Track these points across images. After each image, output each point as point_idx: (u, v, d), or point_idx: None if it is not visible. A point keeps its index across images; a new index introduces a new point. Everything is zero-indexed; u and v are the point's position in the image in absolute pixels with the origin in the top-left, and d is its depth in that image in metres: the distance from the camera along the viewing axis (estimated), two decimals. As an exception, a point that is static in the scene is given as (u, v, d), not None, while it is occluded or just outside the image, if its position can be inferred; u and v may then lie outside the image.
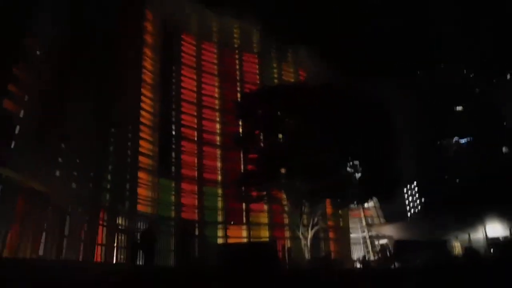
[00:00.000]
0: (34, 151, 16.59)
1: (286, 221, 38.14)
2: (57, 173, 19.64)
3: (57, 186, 19.35)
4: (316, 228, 30.54)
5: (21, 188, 15.90)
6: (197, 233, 33.59)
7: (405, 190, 42.93)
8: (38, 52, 16.42)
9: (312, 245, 29.84)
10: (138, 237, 17.03)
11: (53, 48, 17.06)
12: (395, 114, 32.85)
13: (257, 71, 44.37)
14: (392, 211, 44.65)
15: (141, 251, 17.02)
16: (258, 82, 43.10)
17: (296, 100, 27.35)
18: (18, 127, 15.65)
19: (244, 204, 37.28)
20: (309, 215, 30.24)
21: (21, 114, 15.79)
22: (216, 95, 40.80)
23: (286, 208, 33.15)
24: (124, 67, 29.30)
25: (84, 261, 19.90)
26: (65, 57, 18.46)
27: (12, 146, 15.48)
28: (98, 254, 22.72)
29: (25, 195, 15.96)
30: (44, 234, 18.06)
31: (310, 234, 29.57)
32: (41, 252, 17.71)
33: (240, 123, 35.65)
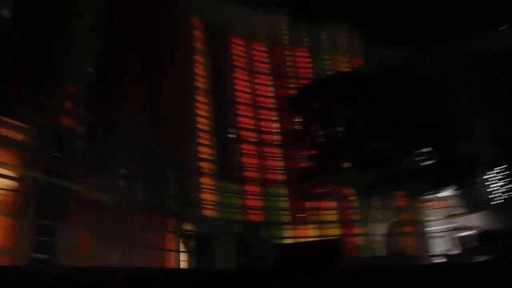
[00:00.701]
0: (95, 164, 17.07)
1: (356, 217, 36.50)
2: (121, 183, 20.21)
3: (122, 195, 19.92)
4: (390, 222, 28.73)
5: (87, 200, 16.36)
6: (262, 234, 33.21)
7: (487, 175, 38.99)
8: (88, 69, 16.84)
9: (386, 241, 28.09)
10: (196, 242, 16.84)
11: (103, 62, 17.44)
12: (465, 90, 29.99)
13: (309, 65, 43.12)
14: (473, 200, 40.92)
15: (199, 254, 16.85)
16: (311, 76, 41.89)
17: (352, 88, 25.89)
18: (78, 142, 16.06)
19: (310, 203, 36.27)
20: (379, 209, 28.53)
21: (80, 129, 16.20)
22: (270, 94, 40.26)
23: (354, 204, 31.66)
24: (175, 75, 29.80)
25: (153, 268, 20.14)
26: (115, 71, 18.90)
27: (74, 160, 15.91)
28: (167, 260, 22.96)
29: (91, 206, 16.35)
30: (112, 241, 18.59)
31: (382, 230, 27.86)
32: (111, 260, 18.22)
33: (296, 119, 34.81)
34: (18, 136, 13.59)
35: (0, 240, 12.00)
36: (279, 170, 36.90)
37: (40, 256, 13.54)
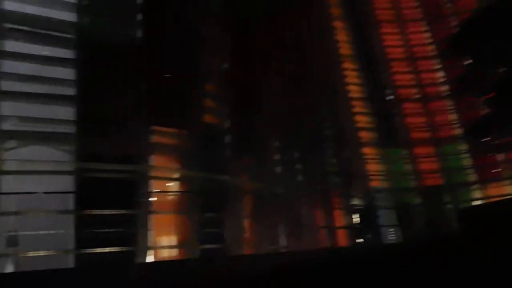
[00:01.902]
0: (247, 155, 17.61)
1: None
2: (279, 169, 20.47)
3: (281, 181, 20.20)
4: None
5: (245, 190, 17.03)
6: (444, 199, 29.65)
7: None
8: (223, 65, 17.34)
9: None
10: (360, 215, 15.72)
11: (238, 53, 17.71)
12: None
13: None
14: None
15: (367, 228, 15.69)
16: (474, 7, 34.96)
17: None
18: (226, 137, 16.75)
19: (499, 155, 30.66)
20: None
21: (225, 124, 16.86)
22: (427, 41, 35.32)
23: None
24: (318, 47, 28.75)
25: (325, 248, 19.89)
26: (254, 60, 19.02)
27: (226, 155, 16.68)
28: (338, 238, 22.44)
29: (250, 195, 16.89)
30: (280, 226, 19.00)
31: None
32: (281, 243, 18.66)
33: (464, 62, 29.59)
34: (172, 141, 14.85)
35: (174, 235, 13.22)
36: (453, 124, 32.18)
37: (211, 246, 14.60)
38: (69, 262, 11.74)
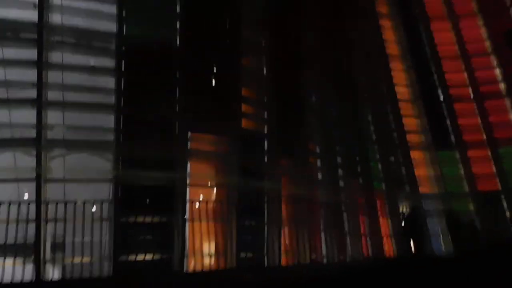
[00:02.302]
0: (288, 160, 17.28)
1: None
2: (320, 175, 19.95)
3: (323, 187, 19.65)
4: None
5: (285, 196, 16.70)
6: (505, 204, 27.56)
7: None
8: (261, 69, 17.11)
9: None
10: (408, 223, 14.82)
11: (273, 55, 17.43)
12: None
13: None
14: None
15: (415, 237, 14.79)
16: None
17: None
18: (266, 142, 16.51)
19: None
20: None
21: (265, 130, 16.63)
22: (483, 36, 33.09)
23: None
24: (363, 48, 27.81)
25: (368, 258, 19.14)
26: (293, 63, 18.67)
27: (266, 160, 16.43)
28: (385, 247, 21.46)
29: (289, 200, 16.53)
30: (322, 234, 18.47)
31: None
32: (323, 252, 18.13)
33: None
34: (210, 148, 14.81)
35: (212, 243, 13.15)
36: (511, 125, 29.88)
37: (250, 254, 14.40)
38: (110, 268, 11.96)
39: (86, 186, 12.80)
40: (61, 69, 12.91)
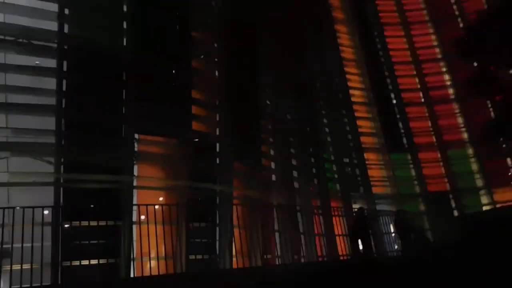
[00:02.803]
0: (241, 163, 17.29)
1: None
2: (273, 177, 20.09)
3: (275, 188, 19.79)
4: None
5: (238, 199, 16.69)
6: (453, 204, 28.90)
7: None
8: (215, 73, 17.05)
9: None
10: (361, 223, 15.15)
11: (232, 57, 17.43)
12: None
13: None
14: None
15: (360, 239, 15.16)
16: (484, 7, 34.10)
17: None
18: (218, 145, 16.45)
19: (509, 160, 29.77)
20: None
21: (217, 132, 16.58)
22: (434, 43, 34.65)
23: None
24: (318, 52, 28.38)
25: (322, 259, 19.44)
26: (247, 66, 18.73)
27: (218, 163, 16.37)
28: (338, 247, 21.86)
29: (242, 203, 16.51)
30: (277, 235, 18.57)
31: None
32: (274, 255, 18.24)
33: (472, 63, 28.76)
34: (159, 150, 14.61)
35: (161, 247, 12.94)
36: (460, 128, 31.41)
37: (199, 257, 14.28)
38: (53, 275, 11.53)
39: (29, 191, 12.33)
40: (3, 69, 12.37)
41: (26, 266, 10.92)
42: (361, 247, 14.85)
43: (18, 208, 11.28)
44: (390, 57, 34.08)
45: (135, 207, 13.15)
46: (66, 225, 12.08)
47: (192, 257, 14.12)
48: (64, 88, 12.55)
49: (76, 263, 12.02)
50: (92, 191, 12.72)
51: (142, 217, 12.99)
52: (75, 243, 12.08)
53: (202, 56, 16.72)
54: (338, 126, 28.26)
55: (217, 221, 15.49)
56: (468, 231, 13.21)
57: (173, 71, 14.82)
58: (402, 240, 16.86)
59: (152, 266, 13.14)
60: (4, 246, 11.20)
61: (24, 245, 11.16)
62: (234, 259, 15.60)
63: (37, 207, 11.30)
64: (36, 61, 12.67)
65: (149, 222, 12.77)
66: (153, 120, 14.21)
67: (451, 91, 32.82)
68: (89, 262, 12.18)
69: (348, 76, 31.70)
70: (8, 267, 11.19)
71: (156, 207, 13.05)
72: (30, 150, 12.09)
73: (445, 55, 33.34)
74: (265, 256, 16.71)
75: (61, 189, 11.92)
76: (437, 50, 34.43)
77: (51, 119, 12.35)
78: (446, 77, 33.38)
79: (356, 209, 22.06)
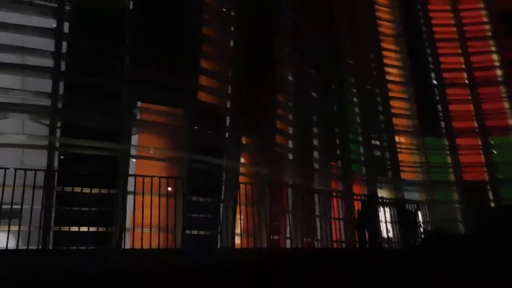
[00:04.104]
0: (251, 138, 16.48)
1: None
2: (290, 156, 19.11)
3: (295, 169, 18.82)
4: None
5: (246, 175, 15.98)
6: (491, 196, 26.71)
7: None
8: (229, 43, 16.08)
9: None
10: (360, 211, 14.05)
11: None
12: None
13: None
14: None
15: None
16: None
17: None
18: (228, 119, 15.69)
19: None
20: None
21: (228, 105, 15.77)
22: (483, 20, 31.60)
23: None
24: (350, 23, 26.55)
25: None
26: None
27: (225, 137, 15.64)
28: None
29: (253, 180, 15.79)
30: (289, 216, 17.77)
31: None
32: (280, 235, 17.49)
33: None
34: (163, 120, 14.02)
35: (157, 219, 12.49)
36: (505, 113, 28.71)
37: (200, 233, 13.76)
38: (42, 239, 11.36)
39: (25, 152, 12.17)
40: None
41: (14, 227, 10.73)
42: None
43: (11, 169, 10.99)
44: (433, 33, 31.49)
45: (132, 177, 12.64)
46: (59, 190, 11.76)
47: (192, 232, 13.57)
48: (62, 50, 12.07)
49: (66, 229, 11.74)
50: (89, 157, 12.33)
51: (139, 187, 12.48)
52: (67, 209, 11.76)
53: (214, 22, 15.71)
54: (369, 105, 26.64)
55: (222, 197, 14.82)
56: (489, 222, 12.18)
57: (181, 36, 13.95)
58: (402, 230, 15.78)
59: (145, 238, 12.70)
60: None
61: (19, 207, 10.95)
62: (238, 237, 15.05)
63: (29, 170, 10.92)
64: (26, 21, 12.19)
65: (145, 194, 12.26)
66: (157, 87, 13.57)
67: (499, 72, 29.94)
68: (79, 229, 11.89)
69: (384, 53, 29.68)
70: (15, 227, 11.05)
71: (154, 178, 12.45)
72: (26, 111, 11.78)
73: (495, 32, 30.37)
74: (271, 237, 15.95)
75: (56, 153, 11.59)
76: (487, 27, 31.38)
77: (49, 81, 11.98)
78: (495, 57, 30.45)
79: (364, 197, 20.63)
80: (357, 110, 25.79)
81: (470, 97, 29.68)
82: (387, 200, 19.49)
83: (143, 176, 12.34)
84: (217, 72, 15.43)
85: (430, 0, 32.31)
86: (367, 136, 25.26)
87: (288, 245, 17.60)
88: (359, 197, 18.22)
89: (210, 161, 14.47)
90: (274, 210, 16.72)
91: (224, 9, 16.13)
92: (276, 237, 17.13)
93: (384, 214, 16.74)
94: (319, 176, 20.54)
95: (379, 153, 26.19)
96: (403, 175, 26.03)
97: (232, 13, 16.67)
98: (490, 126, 28.49)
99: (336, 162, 22.68)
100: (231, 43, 16.25)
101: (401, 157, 26.68)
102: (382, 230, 15.96)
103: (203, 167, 14.50)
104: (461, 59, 30.83)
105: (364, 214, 13.81)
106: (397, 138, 27.38)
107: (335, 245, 19.04)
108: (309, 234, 18.51)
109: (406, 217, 14.47)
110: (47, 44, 12.49)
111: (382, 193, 24.55)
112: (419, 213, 18.87)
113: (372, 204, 13.69)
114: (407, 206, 16.08)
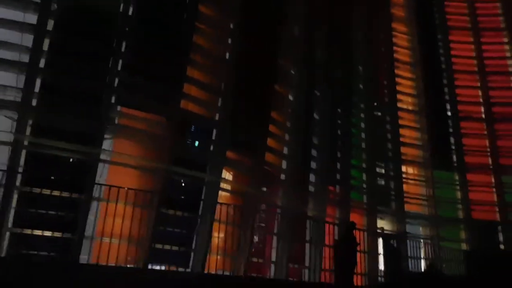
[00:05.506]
0: (238, 153, 15.79)
1: None
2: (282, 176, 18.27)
3: (286, 190, 17.98)
4: None
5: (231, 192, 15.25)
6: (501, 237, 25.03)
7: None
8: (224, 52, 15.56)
9: None
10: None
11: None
12: None
13: None
14: None
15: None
16: None
17: None
18: (214, 131, 15.07)
19: None
20: None
21: (216, 117, 15.17)
22: (506, 54, 30.32)
23: None
24: (367, 49, 25.91)
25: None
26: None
27: (210, 149, 15.00)
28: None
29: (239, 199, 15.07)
30: (275, 239, 16.89)
31: None
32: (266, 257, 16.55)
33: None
34: (144, 127, 13.49)
35: (127, 229, 11.85)
36: (521, 152, 27.12)
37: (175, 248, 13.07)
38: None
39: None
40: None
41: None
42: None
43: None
44: (451, 64, 30.36)
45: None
46: (23, 190, 11.26)
47: (165, 247, 12.87)
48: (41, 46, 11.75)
49: (28, 231, 11.20)
50: (58, 159, 11.85)
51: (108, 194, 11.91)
52: (29, 211, 11.23)
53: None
54: (376, 131, 25.62)
55: (199, 212, 14.09)
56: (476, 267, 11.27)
57: (171, 44, 13.52)
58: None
59: (113, 248, 12.04)
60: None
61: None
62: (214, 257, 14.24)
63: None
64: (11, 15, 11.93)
65: (113, 202, 11.66)
66: (139, 93, 13.10)
67: (517, 108, 28.47)
68: (42, 233, 11.32)
69: (398, 80, 28.73)
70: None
71: (123, 188, 11.87)
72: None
73: (517, 68, 29.07)
74: (251, 261, 15.05)
75: (16, 150, 11.12)
76: (509, 62, 30.10)
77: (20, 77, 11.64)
78: (514, 92, 29.05)
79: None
80: (363, 135, 24.82)
81: (486, 132, 28.25)
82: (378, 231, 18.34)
83: (110, 186, 11.81)
84: (208, 83, 14.88)
85: (452, 31, 31.25)
86: (372, 163, 24.17)
87: (272, 271, 16.69)
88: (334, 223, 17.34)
89: (190, 173, 13.77)
90: (258, 232, 15.93)
91: (221, 20, 15.62)
92: (260, 260, 16.25)
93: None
94: (313, 200, 19.58)
95: (383, 182, 24.99)
96: (408, 207, 24.67)
97: (231, 26, 16.20)
98: (504, 165, 26.90)
99: (334, 187, 21.69)
100: (226, 55, 15.69)
101: (407, 188, 25.38)
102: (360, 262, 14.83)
103: (183, 179, 13.82)
104: (479, 93, 29.53)
105: (342, 243, 12.75)
106: (404, 168, 26.10)
107: (323, 274, 17.98)
108: (295, 261, 17.55)
109: (389, 249, 13.36)
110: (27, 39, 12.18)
111: (382, 224, 23.30)
112: (408, 247, 17.71)
113: (350, 232, 12.60)
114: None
